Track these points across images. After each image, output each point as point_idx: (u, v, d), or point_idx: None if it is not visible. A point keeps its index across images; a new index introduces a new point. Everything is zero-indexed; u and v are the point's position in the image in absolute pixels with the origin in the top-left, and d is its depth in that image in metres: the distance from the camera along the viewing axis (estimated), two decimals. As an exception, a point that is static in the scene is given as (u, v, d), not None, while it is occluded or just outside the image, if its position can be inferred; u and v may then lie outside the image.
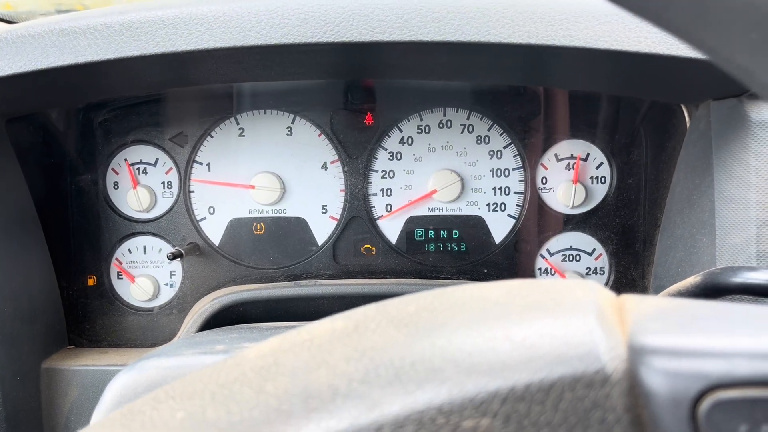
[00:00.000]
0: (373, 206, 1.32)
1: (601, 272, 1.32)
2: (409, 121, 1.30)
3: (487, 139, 1.29)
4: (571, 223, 1.31)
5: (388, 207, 1.32)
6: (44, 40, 0.91)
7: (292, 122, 1.30)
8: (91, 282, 1.33)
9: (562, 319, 0.34)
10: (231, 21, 0.89)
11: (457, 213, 1.31)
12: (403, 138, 1.30)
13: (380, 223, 1.32)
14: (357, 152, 1.30)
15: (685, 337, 0.32)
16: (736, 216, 0.90)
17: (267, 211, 1.32)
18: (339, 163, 1.31)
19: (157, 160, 1.32)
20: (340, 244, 1.33)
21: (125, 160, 1.32)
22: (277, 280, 1.31)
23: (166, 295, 1.34)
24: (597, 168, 1.29)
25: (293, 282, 1.27)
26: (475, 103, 1.28)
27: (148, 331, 1.34)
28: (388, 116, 1.30)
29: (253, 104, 1.30)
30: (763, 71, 0.31)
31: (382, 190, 1.31)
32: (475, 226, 1.32)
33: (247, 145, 1.31)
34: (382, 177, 1.31)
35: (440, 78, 1.17)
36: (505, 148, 1.29)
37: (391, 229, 1.33)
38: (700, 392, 0.30)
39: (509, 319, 0.36)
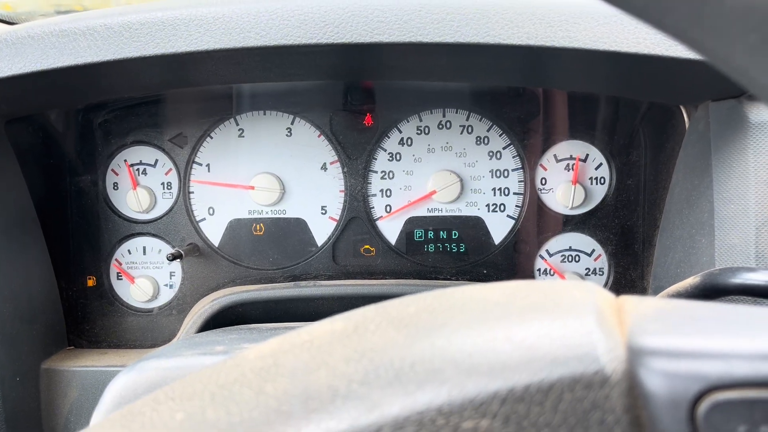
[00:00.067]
0: (373, 207, 1.32)
1: (601, 273, 1.32)
2: (408, 122, 1.30)
3: (486, 139, 1.29)
4: (570, 223, 1.31)
5: (388, 208, 1.32)
6: (44, 42, 0.91)
7: (292, 123, 1.30)
8: (90, 283, 1.33)
9: (562, 320, 0.35)
10: (230, 22, 0.89)
11: (457, 214, 1.32)
12: (402, 139, 1.30)
13: (380, 223, 1.32)
14: (356, 153, 1.31)
15: (684, 339, 0.33)
16: (735, 217, 0.90)
17: (266, 212, 1.32)
18: (338, 164, 1.31)
19: (156, 160, 1.32)
20: (339, 245, 1.33)
21: (125, 160, 1.32)
22: (276, 281, 1.31)
23: (166, 295, 1.34)
24: (596, 169, 1.29)
25: (293, 283, 1.27)
26: (475, 104, 1.28)
27: (148, 331, 1.34)
28: (387, 117, 1.30)
29: (252, 105, 1.30)
30: (762, 73, 0.31)
31: (381, 190, 1.32)
32: (474, 226, 1.32)
33: (247, 146, 1.31)
34: (382, 178, 1.31)
35: (439, 79, 1.17)
36: (504, 148, 1.29)
37: (391, 229, 1.33)
38: (698, 393, 0.30)
39: (509, 320, 0.36)
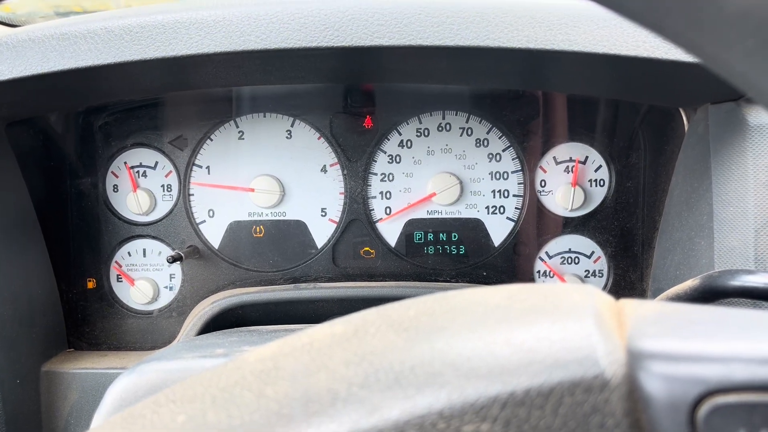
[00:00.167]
0: (373, 209, 1.32)
1: (600, 275, 1.32)
2: (408, 124, 1.30)
3: (486, 142, 1.30)
4: (569, 225, 1.31)
5: (388, 210, 1.32)
6: (44, 45, 0.92)
7: (292, 125, 1.30)
8: (90, 285, 1.33)
9: (561, 323, 0.35)
10: (231, 26, 0.89)
11: (456, 216, 1.32)
12: (402, 141, 1.30)
13: (379, 226, 1.32)
14: (356, 155, 1.31)
15: (684, 342, 0.33)
16: (734, 219, 0.91)
17: (266, 214, 1.32)
18: (338, 166, 1.31)
19: (156, 163, 1.32)
20: (339, 247, 1.33)
21: (125, 163, 1.32)
22: (276, 283, 1.31)
23: (166, 298, 1.34)
24: (596, 171, 1.29)
25: (293, 285, 1.27)
26: (474, 106, 1.29)
27: (148, 334, 1.34)
28: (387, 119, 1.30)
29: (252, 107, 1.30)
30: (760, 77, 0.31)
31: (381, 193, 1.32)
32: (474, 229, 1.32)
33: (247, 149, 1.31)
34: (382, 180, 1.31)
35: (439, 82, 1.17)
36: (504, 151, 1.30)
37: (391, 232, 1.33)
38: (698, 397, 0.30)
39: (508, 323, 0.36)
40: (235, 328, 1.05)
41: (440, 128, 1.30)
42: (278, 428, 0.32)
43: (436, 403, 0.31)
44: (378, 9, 0.88)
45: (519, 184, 1.30)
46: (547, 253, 1.32)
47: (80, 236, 1.32)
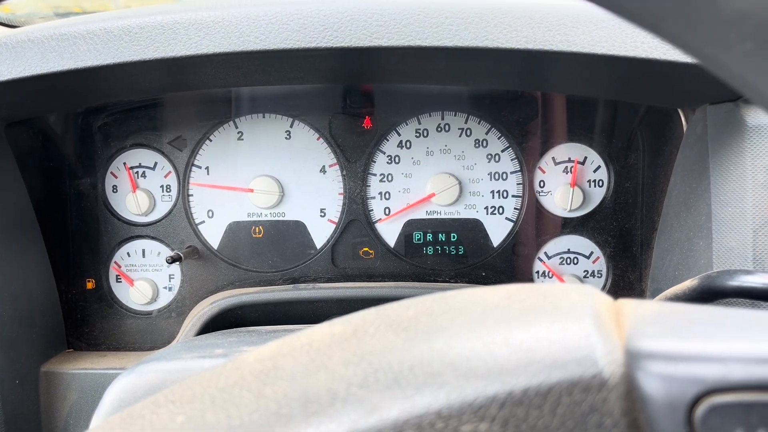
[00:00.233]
0: (372, 209, 1.32)
1: (599, 275, 1.32)
2: (407, 124, 1.30)
3: (485, 142, 1.30)
4: (568, 226, 1.31)
5: (387, 210, 1.32)
6: (44, 45, 0.92)
7: (291, 126, 1.30)
8: (89, 285, 1.33)
9: (560, 323, 0.35)
10: (230, 26, 0.89)
11: (456, 216, 1.32)
12: (401, 142, 1.30)
13: (379, 226, 1.33)
14: (355, 156, 1.31)
15: (682, 342, 0.33)
16: (733, 219, 0.91)
17: (266, 215, 1.32)
18: (337, 167, 1.31)
19: (156, 163, 1.32)
20: (338, 248, 1.33)
21: (124, 163, 1.32)
22: (275, 284, 1.31)
23: (165, 298, 1.34)
24: (594, 171, 1.29)
25: (292, 285, 1.27)
26: (473, 107, 1.29)
27: (147, 334, 1.34)
28: (386, 120, 1.30)
29: (251, 108, 1.30)
30: (758, 79, 0.31)
31: (380, 193, 1.32)
32: (473, 229, 1.32)
33: (246, 149, 1.31)
34: (381, 180, 1.31)
35: (438, 82, 1.18)
36: (503, 151, 1.30)
37: (390, 232, 1.33)
38: (696, 396, 0.31)
39: (507, 323, 0.36)
40: (235, 329, 1.05)
41: (439, 129, 1.30)
42: (277, 428, 0.32)
43: (435, 402, 0.31)
44: (377, 10, 0.88)
45: (518, 184, 1.30)
46: (546, 253, 1.32)
47: (79, 237, 1.32)
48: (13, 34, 0.93)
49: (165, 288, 1.34)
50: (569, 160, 1.29)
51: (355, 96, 1.29)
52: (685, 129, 1.08)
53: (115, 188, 1.33)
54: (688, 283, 0.80)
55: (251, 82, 1.14)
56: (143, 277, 1.34)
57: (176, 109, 1.31)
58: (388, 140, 1.30)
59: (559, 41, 0.86)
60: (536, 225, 1.32)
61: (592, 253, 1.31)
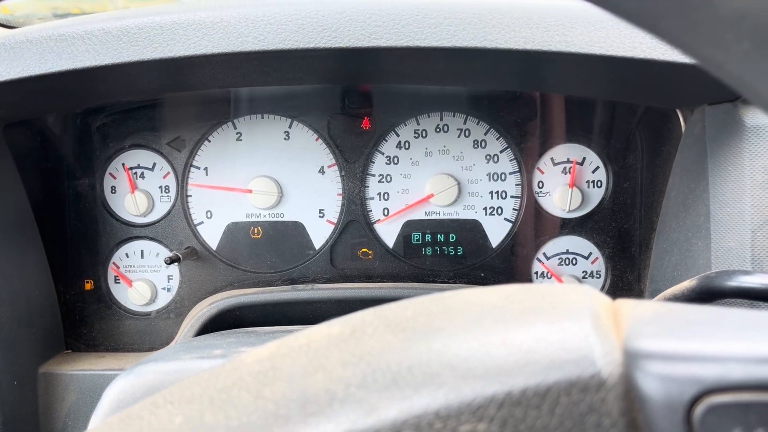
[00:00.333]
0: (371, 210, 1.32)
1: (598, 276, 1.32)
2: (406, 125, 1.30)
3: (483, 143, 1.30)
4: (567, 226, 1.31)
5: (386, 211, 1.32)
6: (42, 46, 0.92)
7: (290, 127, 1.30)
8: (88, 286, 1.33)
9: (558, 323, 0.35)
10: (228, 27, 0.89)
11: (454, 217, 1.32)
12: (400, 142, 1.30)
13: (377, 227, 1.33)
14: (354, 156, 1.31)
15: (680, 342, 0.33)
16: (731, 220, 0.91)
17: (264, 216, 1.32)
18: (336, 168, 1.31)
19: (154, 164, 1.32)
20: (337, 248, 1.33)
21: (123, 164, 1.32)
22: (274, 285, 1.31)
23: (164, 299, 1.34)
24: (593, 172, 1.29)
25: (290, 286, 1.27)
26: (472, 107, 1.29)
27: (146, 335, 1.34)
28: (385, 121, 1.30)
29: (250, 109, 1.30)
30: (756, 79, 0.31)
31: (379, 194, 1.32)
32: (471, 230, 1.32)
33: (245, 150, 1.31)
34: (380, 181, 1.31)
35: (437, 83, 1.18)
36: (501, 152, 1.30)
37: (389, 233, 1.33)
38: (694, 396, 0.31)
39: (505, 323, 0.36)
40: (233, 329, 1.05)
41: (438, 129, 1.30)
42: (276, 429, 0.32)
43: (433, 403, 0.31)
44: (375, 10, 0.88)
45: (516, 185, 1.30)
46: (544, 254, 1.32)
47: (78, 237, 1.32)
48: (11, 34, 0.93)
49: (163, 289, 1.34)
50: (568, 161, 1.29)
51: (354, 97, 1.29)
52: (683, 129, 1.08)
53: (113, 189, 1.33)
54: (686, 284, 0.81)
55: (250, 82, 1.14)
56: (142, 278, 1.34)
57: (175, 110, 1.31)
58: (386, 141, 1.30)
59: (557, 42, 0.86)
60: (535, 225, 1.32)
61: (590, 253, 1.32)
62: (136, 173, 1.32)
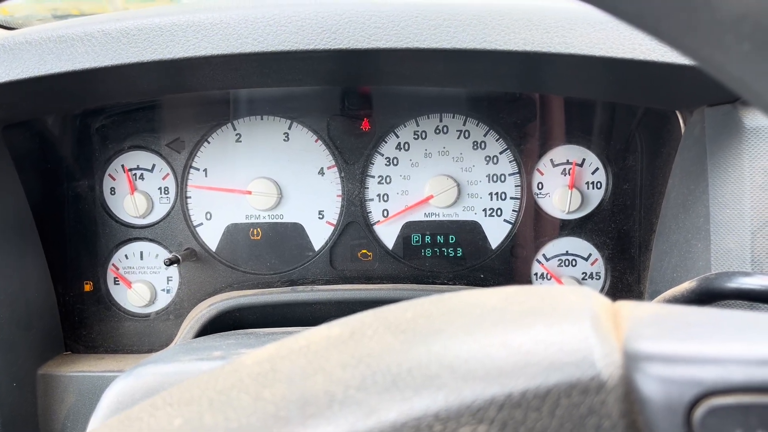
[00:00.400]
0: (370, 212, 1.32)
1: (597, 277, 1.32)
2: (405, 126, 1.30)
3: (483, 144, 1.30)
4: (567, 228, 1.31)
5: (385, 212, 1.32)
6: (41, 47, 0.92)
7: (289, 128, 1.30)
8: (87, 288, 1.33)
9: (558, 325, 0.35)
10: (228, 28, 0.89)
11: (454, 218, 1.32)
12: (399, 144, 1.30)
13: (377, 228, 1.32)
14: (354, 158, 1.31)
15: (680, 344, 0.33)
16: (731, 221, 0.91)
17: (264, 217, 1.32)
18: (336, 169, 1.31)
19: (154, 165, 1.32)
20: (336, 250, 1.33)
21: (122, 165, 1.32)
22: (273, 286, 1.31)
23: (163, 300, 1.34)
24: (593, 173, 1.29)
25: (290, 288, 1.27)
26: (471, 109, 1.29)
27: (145, 336, 1.34)
28: (384, 122, 1.30)
29: (249, 110, 1.30)
30: (755, 81, 0.31)
31: (378, 195, 1.32)
32: (471, 231, 1.32)
33: (244, 151, 1.31)
34: (379, 182, 1.31)
35: (436, 84, 1.18)
36: (501, 153, 1.30)
37: (388, 234, 1.33)
38: (694, 398, 0.30)
39: (505, 325, 0.36)
40: (233, 331, 1.04)
41: (437, 131, 1.30)
42: (275, 431, 0.32)
43: (433, 405, 0.31)
44: (375, 12, 0.88)
45: (516, 186, 1.30)
46: (544, 255, 1.32)
47: (77, 239, 1.32)
48: (11, 36, 0.93)
49: (163, 290, 1.34)
50: (567, 162, 1.29)
51: (354, 98, 1.29)
52: (683, 131, 1.08)
53: (113, 190, 1.32)
54: (686, 285, 0.80)
55: (249, 84, 1.14)
56: (141, 280, 1.34)
57: (174, 111, 1.31)
58: (386, 142, 1.30)
59: (557, 43, 0.86)
60: (534, 227, 1.32)
61: (590, 255, 1.32)
62: (135, 174, 1.32)
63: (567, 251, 1.32)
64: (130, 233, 1.33)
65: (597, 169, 1.29)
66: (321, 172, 1.31)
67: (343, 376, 0.34)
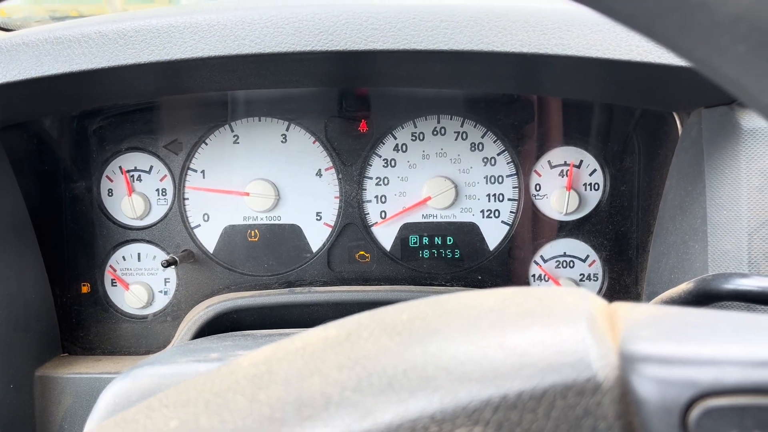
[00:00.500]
0: (368, 213, 1.32)
1: (595, 278, 1.32)
2: (403, 128, 1.30)
3: (480, 146, 1.30)
4: (564, 229, 1.31)
5: (383, 214, 1.32)
6: (38, 49, 0.91)
7: (287, 129, 1.30)
8: (85, 289, 1.33)
9: (554, 327, 0.35)
10: (225, 30, 0.89)
11: (452, 220, 1.32)
12: (397, 145, 1.30)
13: (375, 230, 1.32)
14: (351, 159, 1.31)
15: (676, 345, 0.33)
16: (728, 223, 0.91)
17: (261, 218, 1.32)
18: (333, 170, 1.31)
19: (151, 167, 1.32)
20: (334, 251, 1.33)
21: (119, 167, 1.32)
22: (271, 287, 1.31)
23: (161, 302, 1.34)
24: (590, 175, 1.29)
25: (287, 289, 1.27)
26: (469, 110, 1.29)
27: (142, 338, 1.34)
28: (382, 123, 1.30)
29: (247, 112, 1.30)
30: (751, 83, 0.31)
31: (376, 197, 1.32)
32: (469, 232, 1.32)
33: (242, 153, 1.31)
34: (377, 184, 1.31)
35: (434, 86, 1.18)
36: (498, 155, 1.30)
37: (386, 235, 1.33)
38: (690, 400, 0.30)
39: (501, 327, 0.36)
40: (230, 333, 1.04)
41: (435, 132, 1.30)
42: (271, 432, 0.32)
43: (429, 406, 0.31)
44: (372, 13, 0.88)
45: (514, 188, 1.30)
46: (542, 256, 1.32)
47: (75, 240, 1.32)
48: (8, 37, 0.93)
49: (160, 292, 1.34)
50: (565, 164, 1.29)
51: (351, 99, 1.29)
52: (680, 132, 1.08)
53: (110, 192, 1.32)
54: (683, 287, 0.80)
55: (247, 85, 1.14)
56: (138, 281, 1.33)
57: (172, 113, 1.31)
58: (384, 144, 1.30)
59: (554, 45, 0.86)
60: (532, 228, 1.32)
61: (588, 256, 1.32)
62: (133, 176, 1.32)
63: (565, 253, 1.32)
64: (128, 235, 1.33)
65: (594, 170, 1.29)
66: (319, 174, 1.31)
67: (340, 378, 0.34)
